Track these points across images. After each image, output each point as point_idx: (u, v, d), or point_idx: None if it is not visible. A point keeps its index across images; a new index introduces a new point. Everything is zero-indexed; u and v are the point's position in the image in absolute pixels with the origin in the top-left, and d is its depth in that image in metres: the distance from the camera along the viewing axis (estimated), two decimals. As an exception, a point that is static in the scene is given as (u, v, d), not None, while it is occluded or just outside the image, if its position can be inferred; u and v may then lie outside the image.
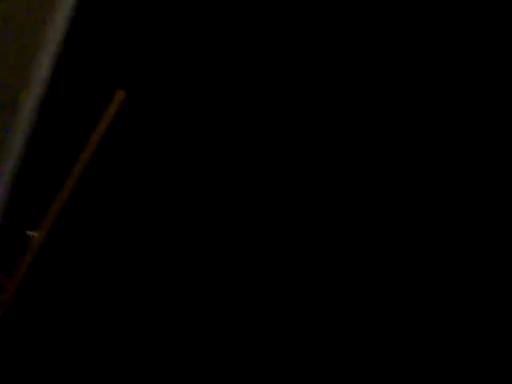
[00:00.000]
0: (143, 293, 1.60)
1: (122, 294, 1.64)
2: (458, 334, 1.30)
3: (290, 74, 1.40)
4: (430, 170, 1.36)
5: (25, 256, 1.66)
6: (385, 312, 1.37)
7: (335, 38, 1.34)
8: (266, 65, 1.43)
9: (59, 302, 1.76)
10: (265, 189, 1.48)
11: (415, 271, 1.36)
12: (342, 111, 1.41)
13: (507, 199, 1.25)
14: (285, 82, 1.41)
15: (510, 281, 1.25)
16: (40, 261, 1.81)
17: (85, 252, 1.70)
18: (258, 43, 1.43)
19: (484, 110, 1.29)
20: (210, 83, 1.46)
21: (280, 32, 1.40)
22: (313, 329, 1.43)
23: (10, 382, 1.66)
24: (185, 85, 1.49)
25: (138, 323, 1.61)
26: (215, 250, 1.53)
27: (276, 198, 1.48)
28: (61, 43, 1.76)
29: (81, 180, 1.70)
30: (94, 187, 1.68)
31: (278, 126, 1.44)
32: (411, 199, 1.38)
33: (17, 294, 1.82)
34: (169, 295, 1.58)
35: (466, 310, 1.29)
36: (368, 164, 1.40)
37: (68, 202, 1.74)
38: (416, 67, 1.33)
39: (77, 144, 1.70)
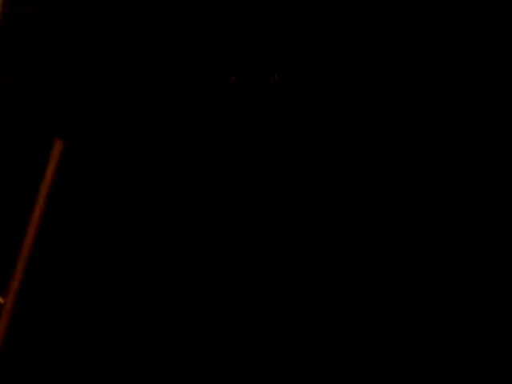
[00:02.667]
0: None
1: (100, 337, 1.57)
2: (458, 334, 1.27)
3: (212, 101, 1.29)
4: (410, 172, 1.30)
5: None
6: (385, 312, 1.34)
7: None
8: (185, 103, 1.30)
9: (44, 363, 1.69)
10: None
11: (415, 271, 1.32)
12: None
13: (507, 199, 1.20)
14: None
15: (510, 281, 1.22)
16: (16, 325, 1.72)
17: (61, 308, 1.62)
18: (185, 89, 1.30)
19: (480, 110, 1.22)
20: (143, 127, 1.35)
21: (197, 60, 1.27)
22: (313, 329, 1.40)
23: None
24: (119, 131, 1.37)
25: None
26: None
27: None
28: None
29: (39, 232, 1.59)
30: (54, 239, 1.57)
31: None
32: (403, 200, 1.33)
33: None
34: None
35: (465, 310, 1.26)
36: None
37: (30, 259, 1.63)
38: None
39: (23, 200, 1.58)
